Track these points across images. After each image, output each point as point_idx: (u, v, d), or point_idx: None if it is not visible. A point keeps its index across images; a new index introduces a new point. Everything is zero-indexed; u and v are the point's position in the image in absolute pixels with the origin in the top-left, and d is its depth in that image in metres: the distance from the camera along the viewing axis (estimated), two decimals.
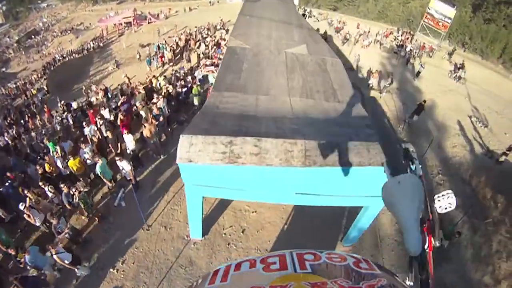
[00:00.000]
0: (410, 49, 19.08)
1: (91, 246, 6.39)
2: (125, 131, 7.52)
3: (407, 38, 21.05)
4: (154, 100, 9.11)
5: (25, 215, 6.14)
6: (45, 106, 15.06)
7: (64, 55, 26.61)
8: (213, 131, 4.35)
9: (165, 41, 20.99)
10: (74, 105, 13.49)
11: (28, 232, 6.78)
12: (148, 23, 29.28)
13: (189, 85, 10.76)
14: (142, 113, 8.80)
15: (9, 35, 42.37)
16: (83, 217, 6.80)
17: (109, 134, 7.73)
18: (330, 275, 0.54)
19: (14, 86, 23.38)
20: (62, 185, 6.39)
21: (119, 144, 7.88)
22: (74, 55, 26.36)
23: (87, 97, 16.18)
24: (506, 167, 9.68)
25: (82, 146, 7.43)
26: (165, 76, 15.54)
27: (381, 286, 0.50)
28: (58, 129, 11.77)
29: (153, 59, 19.11)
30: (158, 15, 30.96)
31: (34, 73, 24.87)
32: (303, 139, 4.18)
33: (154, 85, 13.40)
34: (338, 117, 5.62)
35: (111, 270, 5.95)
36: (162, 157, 8.62)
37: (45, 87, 20.35)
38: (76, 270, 5.60)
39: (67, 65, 25.27)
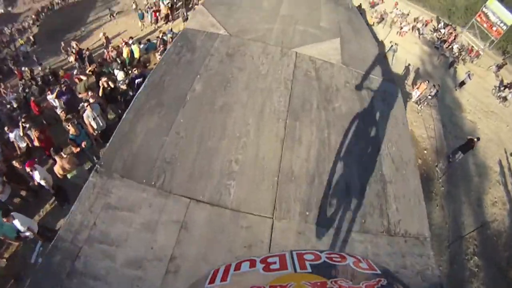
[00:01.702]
0: (458, 50, 15.46)
1: None
2: (28, 168, 5.15)
3: (451, 33, 16.64)
4: (86, 104, 5.86)
5: None
6: (16, 68, 13.06)
7: None
8: None
9: None
10: (39, 69, 11.65)
11: None
12: None
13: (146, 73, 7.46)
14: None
15: None
16: None
17: (16, 163, 5.48)
18: (330, 275, 0.52)
19: (9, 32, 21.06)
20: None
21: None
22: None
23: (66, 55, 14.20)
24: None
25: None
26: (148, 40, 12.44)
27: (381, 286, 0.47)
28: (15, 106, 9.76)
29: (147, 12, 15.65)
30: None
31: (27, 18, 22.22)
32: None
33: (125, 55, 10.53)
34: None
35: None
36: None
37: (31, 37, 17.90)
38: None
39: (65, 10, 22.36)
